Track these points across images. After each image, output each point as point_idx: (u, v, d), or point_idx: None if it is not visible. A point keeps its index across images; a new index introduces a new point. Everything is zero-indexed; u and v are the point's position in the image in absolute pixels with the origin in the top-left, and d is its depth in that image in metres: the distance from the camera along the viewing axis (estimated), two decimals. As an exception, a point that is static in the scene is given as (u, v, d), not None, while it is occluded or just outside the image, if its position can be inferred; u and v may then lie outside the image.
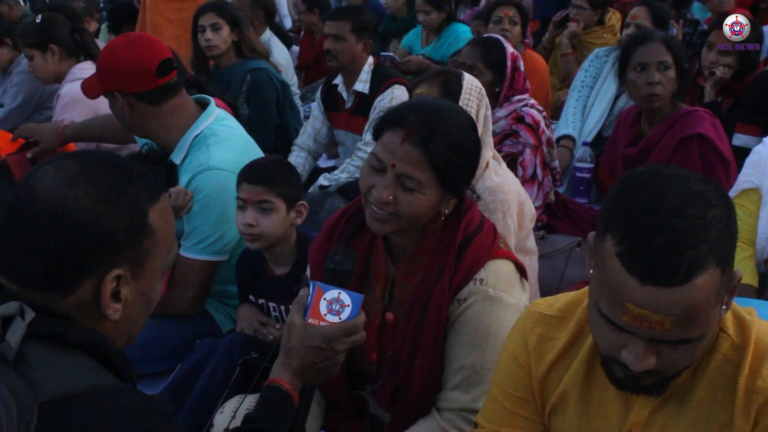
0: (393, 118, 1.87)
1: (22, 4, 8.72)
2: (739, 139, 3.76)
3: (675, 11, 5.73)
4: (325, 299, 1.64)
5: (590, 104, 4.42)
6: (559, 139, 4.16)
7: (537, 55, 5.24)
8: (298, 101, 5.13)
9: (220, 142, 2.75)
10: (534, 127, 3.38)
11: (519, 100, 3.44)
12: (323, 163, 4.70)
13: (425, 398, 1.97)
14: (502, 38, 3.48)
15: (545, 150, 3.43)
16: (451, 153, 1.83)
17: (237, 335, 2.59)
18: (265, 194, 2.52)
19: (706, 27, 5.04)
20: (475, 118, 2.40)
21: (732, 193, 2.91)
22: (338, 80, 4.29)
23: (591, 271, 1.39)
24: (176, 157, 2.78)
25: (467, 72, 3.04)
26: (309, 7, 6.63)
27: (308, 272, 2.13)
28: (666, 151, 3.20)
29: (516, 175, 3.35)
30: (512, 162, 3.39)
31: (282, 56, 5.37)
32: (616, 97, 4.34)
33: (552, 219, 3.48)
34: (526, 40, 5.46)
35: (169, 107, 2.75)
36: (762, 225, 2.89)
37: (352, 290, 1.67)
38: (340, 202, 3.64)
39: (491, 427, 1.67)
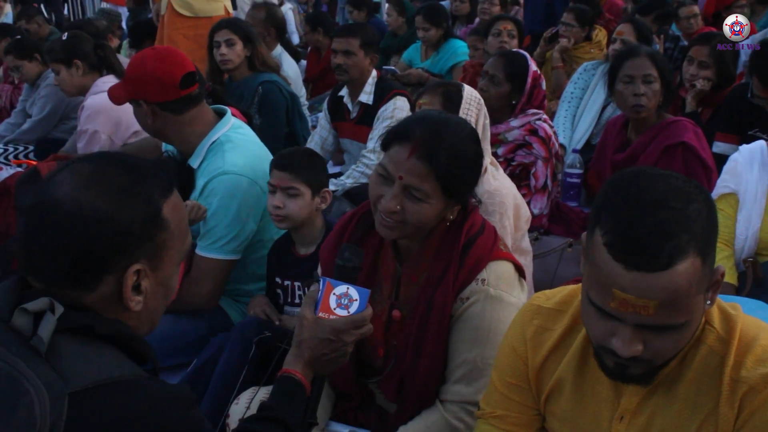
0: (400, 132, 1.87)
1: (48, 23, 8.74)
2: (718, 147, 3.76)
3: (657, 26, 5.74)
4: (334, 294, 1.65)
5: (579, 114, 4.43)
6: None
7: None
8: (306, 112, 5.13)
9: (234, 148, 2.76)
10: (546, 141, 3.39)
11: (534, 113, 3.44)
12: (330, 169, 4.69)
13: (429, 391, 1.97)
14: (528, 56, 3.45)
15: (554, 163, 3.44)
16: (455, 166, 1.83)
17: (248, 318, 2.64)
18: (291, 181, 2.62)
19: (686, 43, 5.04)
20: (474, 127, 2.40)
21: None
22: (344, 92, 4.30)
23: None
24: (194, 162, 2.79)
25: (488, 80, 3.04)
26: (313, 28, 6.67)
27: (319, 270, 2.13)
28: (652, 158, 3.21)
29: (528, 185, 3.37)
30: (524, 171, 3.41)
31: (291, 70, 5.38)
32: (604, 108, 4.36)
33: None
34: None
35: (190, 116, 2.76)
36: (739, 227, 2.90)
37: (360, 286, 1.67)
38: (346, 206, 3.65)
39: (489, 410, 1.69)
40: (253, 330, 2.48)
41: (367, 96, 4.17)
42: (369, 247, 2.01)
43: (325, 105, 4.48)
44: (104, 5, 10.21)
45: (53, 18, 8.70)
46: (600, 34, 5.77)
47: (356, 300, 1.65)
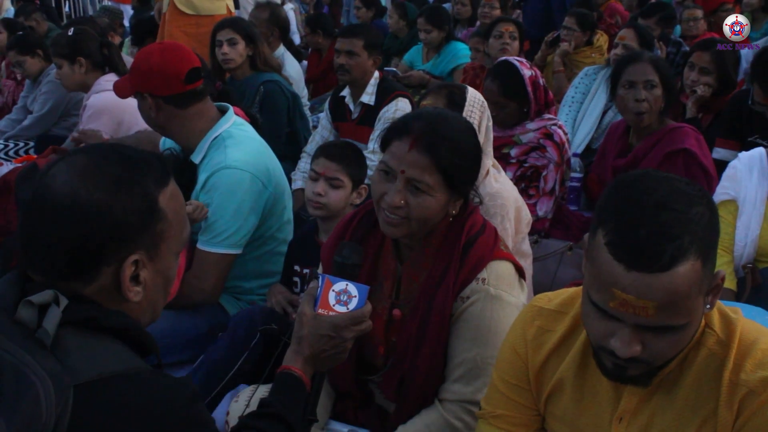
0: (399, 128, 1.89)
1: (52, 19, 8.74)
2: (718, 153, 3.77)
3: (660, 29, 5.75)
4: (333, 291, 1.66)
5: (580, 118, 4.44)
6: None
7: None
8: (307, 112, 5.14)
9: (236, 144, 2.78)
10: (560, 146, 3.40)
11: (549, 119, 3.45)
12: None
13: (428, 390, 1.97)
14: (516, 63, 3.45)
15: (564, 169, 3.46)
16: (455, 156, 1.85)
17: (259, 306, 2.65)
18: (337, 171, 2.67)
19: (688, 49, 5.05)
20: (477, 129, 2.41)
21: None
22: (346, 92, 4.31)
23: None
24: (196, 158, 2.81)
25: (493, 106, 3.03)
26: (314, 30, 6.67)
27: (320, 268, 2.14)
28: (653, 164, 3.22)
29: (537, 187, 3.38)
30: (535, 173, 3.42)
31: (294, 70, 5.38)
32: (604, 112, 4.37)
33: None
34: (522, 59, 5.47)
35: (194, 111, 2.78)
36: (739, 233, 2.91)
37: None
38: (347, 206, 3.64)
39: (490, 410, 1.70)
40: (261, 318, 2.51)
41: (368, 97, 4.18)
42: (370, 246, 2.02)
43: (326, 105, 4.48)
44: (106, 2, 10.23)
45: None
46: (601, 38, 5.79)
47: (355, 296, 1.66)
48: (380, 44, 4.33)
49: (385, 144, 1.92)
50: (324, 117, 4.47)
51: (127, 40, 6.89)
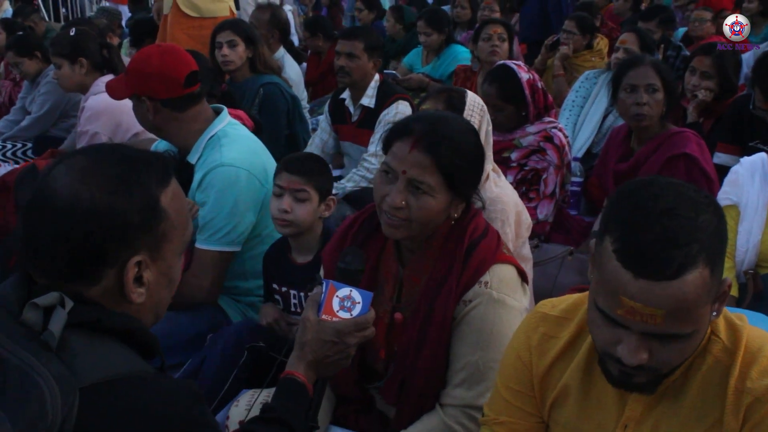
0: (400, 129, 1.90)
1: (46, 20, 8.74)
2: (719, 158, 3.77)
3: (661, 32, 5.76)
4: (337, 296, 1.66)
5: (580, 122, 4.45)
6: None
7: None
8: (306, 114, 5.14)
9: (231, 143, 2.79)
10: (560, 149, 3.40)
11: (549, 122, 3.46)
12: (330, 172, 4.70)
13: (429, 394, 1.97)
14: (514, 66, 3.45)
15: (564, 172, 3.46)
16: (456, 157, 1.85)
17: (248, 321, 2.61)
18: (302, 184, 2.57)
19: (688, 53, 5.06)
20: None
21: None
22: (346, 95, 4.30)
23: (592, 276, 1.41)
24: (192, 158, 2.81)
25: (491, 109, 3.04)
26: (313, 33, 6.65)
27: (321, 272, 2.13)
28: (654, 168, 3.22)
29: (538, 190, 3.39)
30: (535, 176, 3.42)
31: (293, 72, 5.38)
32: (605, 117, 4.38)
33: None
34: (519, 63, 5.48)
35: (191, 113, 2.79)
36: (740, 239, 2.92)
37: (364, 289, 1.68)
38: (347, 209, 3.64)
39: (493, 416, 1.70)
40: (248, 335, 2.47)
41: (369, 99, 4.17)
42: (371, 249, 2.01)
43: (326, 108, 4.48)
44: (104, 3, 10.22)
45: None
46: (601, 42, 5.80)
47: (359, 303, 1.66)
48: (381, 47, 4.32)
49: (387, 145, 1.92)
50: (323, 120, 4.46)
51: (126, 42, 6.89)
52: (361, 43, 4.11)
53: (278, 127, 4.47)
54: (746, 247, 2.89)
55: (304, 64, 6.73)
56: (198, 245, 2.75)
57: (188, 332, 2.76)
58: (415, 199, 1.84)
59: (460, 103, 2.63)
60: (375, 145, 3.97)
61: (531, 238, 2.89)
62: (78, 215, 1.21)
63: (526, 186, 3.42)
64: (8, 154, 5.02)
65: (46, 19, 9.19)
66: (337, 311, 1.65)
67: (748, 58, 4.89)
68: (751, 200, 2.90)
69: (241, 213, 2.75)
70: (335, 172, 4.63)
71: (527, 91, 3.38)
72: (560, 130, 3.46)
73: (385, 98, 4.12)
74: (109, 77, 4.07)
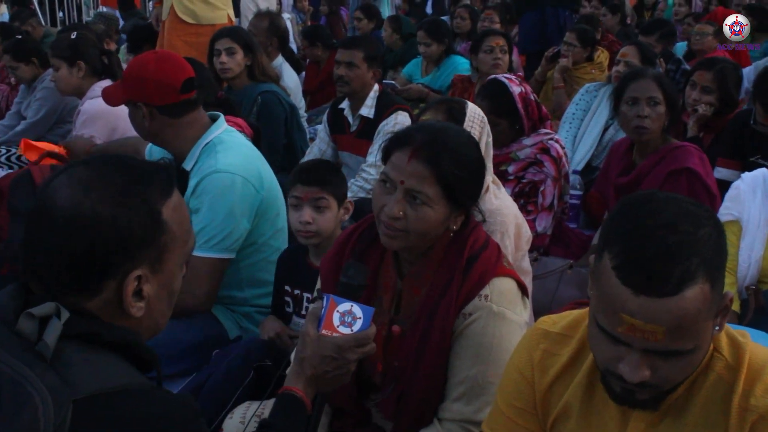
0: (400, 139, 1.89)
1: (43, 24, 8.74)
2: (720, 173, 3.78)
3: (661, 46, 5.78)
4: (338, 311, 1.64)
5: (580, 135, 4.46)
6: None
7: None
8: (304, 123, 5.14)
9: (227, 149, 2.78)
10: (557, 160, 3.40)
11: (546, 133, 3.46)
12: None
13: (427, 408, 1.95)
14: (505, 81, 3.45)
15: (562, 183, 3.45)
16: (456, 168, 1.84)
17: (256, 340, 2.59)
18: (319, 192, 2.56)
19: (688, 67, 5.08)
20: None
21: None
22: (345, 104, 4.30)
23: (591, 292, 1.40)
24: (188, 164, 2.80)
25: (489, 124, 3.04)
26: (312, 42, 6.66)
27: (318, 284, 2.12)
28: (656, 182, 3.22)
29: (536, 202, 3.38)
30: (533, 189, 3.41)
31: (292, 80, 5.39)
32: (605, 130, 4.38)
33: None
34: (519, 74, 5.50)
35: (187, 120, 2.79)
36: (742, 254, 2.92)
37: (363, 302, 1.67)
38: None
39: None
40: (257, 355, 2.46)
41: (368, 109, 4.17)
42: (370, 260, 2.00)
43: (324, 117, 4.48)
44: (102, 9, 10.23)
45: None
46: (602, 55, 5.82)
47: (360, 318, 1.64)
48: (380, 57, 4.34)
49: (386, 155, 1.91)
50: (322, 129, 4.47)
51: (123, 47, 6.89)
52: (361, 52, 4.11)
53: (276, 135, 4.47)
54: (748, 263, 2.90)
55: (303, 73, 6.74)
56: (193, 252, 2.73)
57: (182, 341, 2.74)
58: (413, 210, 1.83)
59: (460, 114, 2.63)
60: (374, 155, 3.96)
61: (530, 251, 2.88)
62: (79, 227, 1.21)
63: (524, 199, 3.41)
64: (2, 159, 5.00)
65: (44, 23, 9.20)
66: (338, 326, 1.64)
67: (748, 72, 4.91)
68: (753, 216, 2.90)
69: (236, 219, 2.73)
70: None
71: (519, 105, 3.38)
72: (557, 141, 3.46)
73: (384, 108, 4.12)
74: (107, 82, 4.09)
